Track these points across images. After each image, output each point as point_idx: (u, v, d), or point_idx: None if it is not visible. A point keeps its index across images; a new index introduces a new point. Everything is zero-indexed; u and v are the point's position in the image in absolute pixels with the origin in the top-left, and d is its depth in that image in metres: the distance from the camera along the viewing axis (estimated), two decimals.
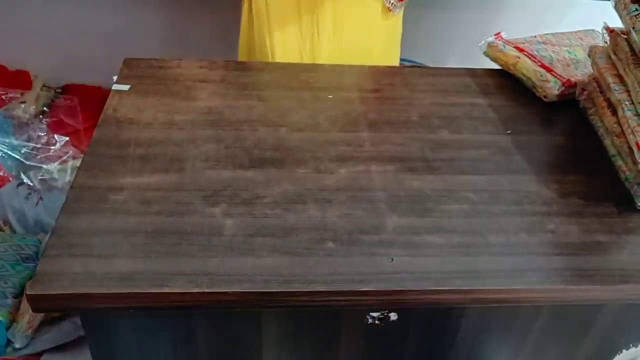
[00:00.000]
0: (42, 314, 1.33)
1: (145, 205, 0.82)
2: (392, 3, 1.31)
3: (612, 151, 0.97)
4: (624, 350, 0.93)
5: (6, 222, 1.59)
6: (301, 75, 1.16)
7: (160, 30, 2.05)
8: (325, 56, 1.31)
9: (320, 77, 1.15)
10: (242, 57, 1.38)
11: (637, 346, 0.92)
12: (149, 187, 0.85)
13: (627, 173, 0.92)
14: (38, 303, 0.69)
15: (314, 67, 1.19)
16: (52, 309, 0.89)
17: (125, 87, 1.06)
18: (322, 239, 0.79)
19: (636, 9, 0.91)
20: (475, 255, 0.80)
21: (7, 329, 1.29)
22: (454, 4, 2.00)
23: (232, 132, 0.98)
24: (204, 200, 0.84)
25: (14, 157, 1.79)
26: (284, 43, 1.29)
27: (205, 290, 0.70)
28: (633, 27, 0.90)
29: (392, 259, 0.77)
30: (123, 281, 0.71)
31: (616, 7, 0.96)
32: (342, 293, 0.73)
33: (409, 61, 1.84)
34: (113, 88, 1.06)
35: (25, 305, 1.33)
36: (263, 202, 0.85)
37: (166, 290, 0.70)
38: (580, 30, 1.30)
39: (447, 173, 0.94)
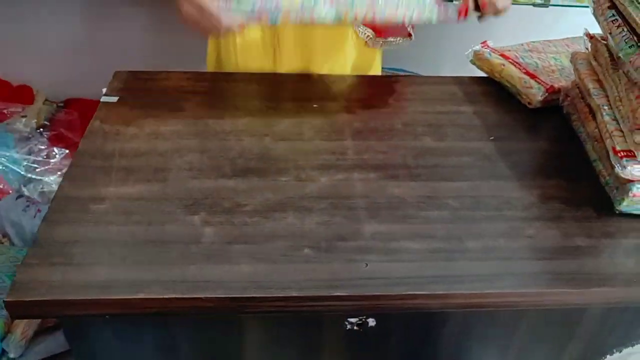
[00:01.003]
0: (36, 324, 1.35)
1: (126, 215, 0.83)
2: (369, 36, 1.22)
3: (593, 156, 0.97)
4: (607, 356, 0.92)
5: (5, 234, 1.61)
6: (287, 85, 1.17)
7: (163, 43, 2.06)
8: (288, 70, 1.23)
9: (306, 87, 1.16)
10: (210, 58, 1.30)
11: (620, 351, 0.92)
12: (131, 197, 0.86)
13: (607, 177, 0.92)
14: (15, 310, 0.70)
15: (300, 77, 1.20)
16: (29, 316, 0.91)
17: (114, 99, 1.08)
18: (300, 246, 0.80)
19: (613, 15, 0.91)
20: (452, 260, 0.80)
21: (2, 339, 1.31)
22: None
23: (217, 142, 0.99)
24: (184, 209, 0.85)
25: (15, 171, 1.82)
26: (248, 51, 1.22)
27: (180, 296, 0.71)
28: (610, 33, 0.91)
29: (367, 264, 0.78)
30: (100, 289, 0.72)
31: (594, 13, 0.97)
32: (316, 298, 0.74)
33: (401, 70, 1.85)
34: (101, 100, 1.07)
35: None
36: (243, 210, 0.85)
37: (140, 296, 0.71)
38: (568, 37, 1.30)
39: (429, 180, 0.94)
